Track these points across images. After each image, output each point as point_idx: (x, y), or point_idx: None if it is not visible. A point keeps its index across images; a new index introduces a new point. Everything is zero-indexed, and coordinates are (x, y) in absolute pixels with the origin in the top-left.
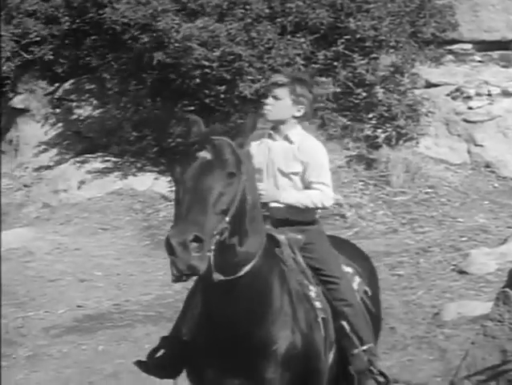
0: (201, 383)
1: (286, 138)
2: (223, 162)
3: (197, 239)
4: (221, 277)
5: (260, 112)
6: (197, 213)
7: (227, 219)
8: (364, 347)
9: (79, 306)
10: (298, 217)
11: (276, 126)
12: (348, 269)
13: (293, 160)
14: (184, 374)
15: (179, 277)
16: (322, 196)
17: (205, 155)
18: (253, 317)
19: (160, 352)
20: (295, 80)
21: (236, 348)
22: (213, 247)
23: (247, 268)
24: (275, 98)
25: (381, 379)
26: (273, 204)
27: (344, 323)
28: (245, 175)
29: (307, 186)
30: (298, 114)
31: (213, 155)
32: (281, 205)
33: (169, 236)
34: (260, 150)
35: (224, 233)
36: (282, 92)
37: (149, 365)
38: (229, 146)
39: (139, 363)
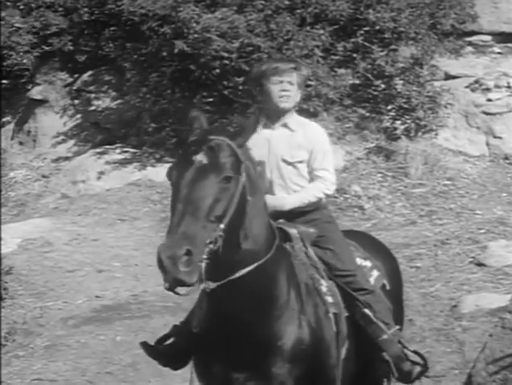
0: (208, 376)
1: (286, 126)
2: (219, 166)
3: (187, 252)
4: (212, 286)
5: (276, 101)
6: (188, 224)
7: (222, 226)
8: (392, 331)
9: (97, 297)
10: (303, 209)
11: (271, 114)
12: (366, 263)
13: (298, 149)
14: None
15: (170, 289)
16: (323, 185)
17: (200, 158)
18: (257, 313)
19: (170, 340)
20: (299, 63)
21: (242, 343)
22: (205, 256)
23: (250, 268)
24: (290, 83)
25: (418, 360)
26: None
27: (367, 311)
28: (245, 174)
29: (310, 172)
30: (298, 99)
31: (209, 158)
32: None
33: (159, 249)
34: (258, 141)
35: (218, 242)
36: (294, 77)
37: (156, 350)
38: (227, 147)
39: (145, 346)
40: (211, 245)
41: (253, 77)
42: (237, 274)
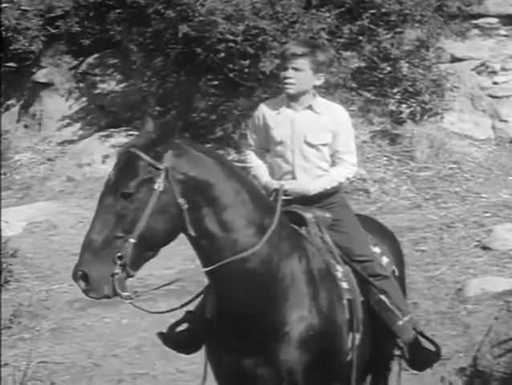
0: (219, 363)
1: (311, 108)
2: (121, 182)
3: (83, 275)
4: (130, 299)
5: (283, 85)
6: (93, 245)
7: (132, 240)
8: (407, 318)
9: None
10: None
11: (295, 96)
12: (376, 249)
13: (322, 132)
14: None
15: None
16: (345, 170)
17: (111, 176)
18: (258, 299)
19: (183, 326)
20: (316, 48)
21: (248, 330)
22: (116, 271)
23: (221, 263)
24: (296, 69)
25: (431, 347)
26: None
27: (383, 297)
28: (171, 181)
29: (333, 154)
30: (318, 83)
31: (116, 175)
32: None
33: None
34: (280, 122)
35: (127, 256)
36: (303, 63)
37: (168, 337)
38: (138, 160)
39: (161, 335)
40: (119, 260)
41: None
42: (207, 268)
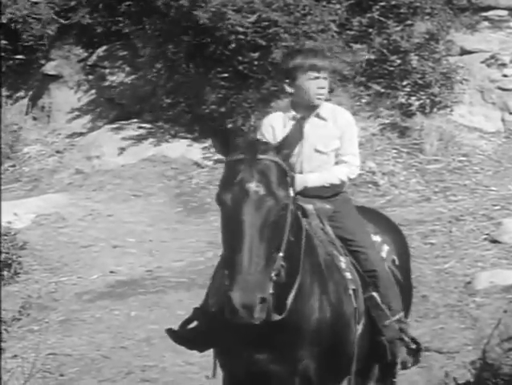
0: (228, 357)
1: (318, 115)
2: (276, 196)
3: (261, 301)
4: (277, 318)
5: (312, 97)
6: (257, 266)
7: (281, 254)
8: (396, 317)
9: (111, 272)
10: (327, 191)
11: (302, 107)
12: (376, 238)
13: (331, 138)
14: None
15: None
16: (348, 169)
17: (256, 188)
18: (275, 294)
19: (193, 324)
20: (329, 58)
21: (262, 327)
22: (271, 291)
23: (295, 286)
24: (325, 79)
25: (413, 346)
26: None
27: (374, 294)
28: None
29: (336, 156)
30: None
31: (265, 188)
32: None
33: (233, 298)
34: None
35: (280, 273)
36: (326, 74)
37: (179, 335)
38: (278, 167)
39: (170, 332)
40: (275, 278)
41: (285, 69)
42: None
